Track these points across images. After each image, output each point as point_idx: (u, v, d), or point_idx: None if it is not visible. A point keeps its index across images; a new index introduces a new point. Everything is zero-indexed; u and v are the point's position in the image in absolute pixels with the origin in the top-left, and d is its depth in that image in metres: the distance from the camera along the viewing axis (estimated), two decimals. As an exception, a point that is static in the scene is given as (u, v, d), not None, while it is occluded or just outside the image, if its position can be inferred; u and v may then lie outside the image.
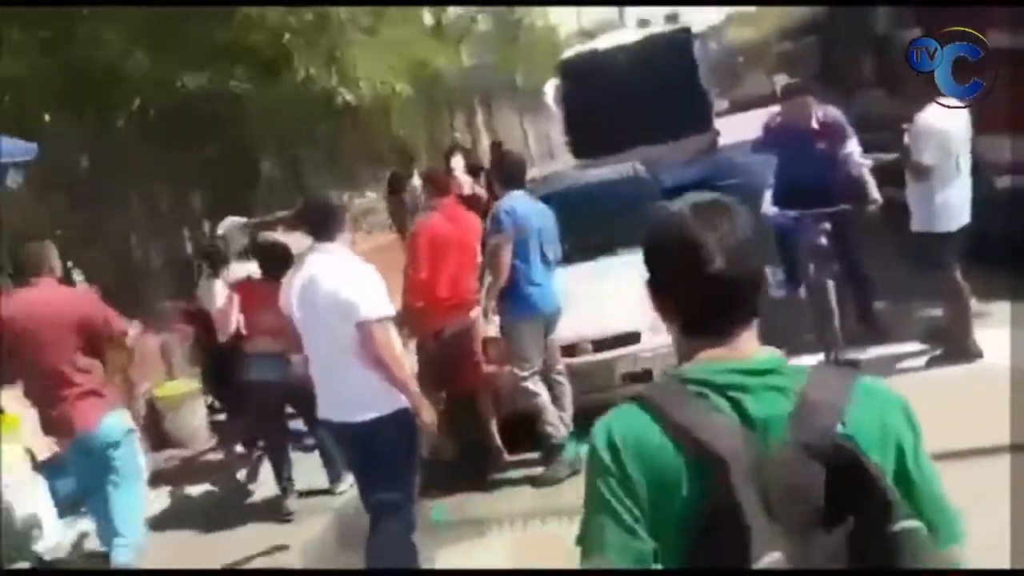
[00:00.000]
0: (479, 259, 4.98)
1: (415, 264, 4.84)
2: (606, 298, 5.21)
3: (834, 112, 5.43)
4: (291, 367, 4.15)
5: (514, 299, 4.66)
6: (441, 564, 3.89)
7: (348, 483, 4.57)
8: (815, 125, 5.31)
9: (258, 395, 4.72)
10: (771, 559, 1.14)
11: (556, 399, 4.75)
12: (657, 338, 5.00)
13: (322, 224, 3.48)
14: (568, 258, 5.19)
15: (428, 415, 3.40)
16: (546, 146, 15.06)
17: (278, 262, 4.52)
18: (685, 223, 1.33)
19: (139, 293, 7.22)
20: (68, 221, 7.93)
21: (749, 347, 1.32)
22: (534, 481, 4.66)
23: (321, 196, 4.04)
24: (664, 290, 1.39)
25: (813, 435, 1.21)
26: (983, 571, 2.52)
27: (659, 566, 1.29)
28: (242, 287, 4.93)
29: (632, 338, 5.05)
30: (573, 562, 1.30)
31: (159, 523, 4.88)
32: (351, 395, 3.35)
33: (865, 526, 1.17)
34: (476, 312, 4.94)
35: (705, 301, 1.32)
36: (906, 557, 1.16)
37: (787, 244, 5.57)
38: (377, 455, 3.35)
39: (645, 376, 5.00)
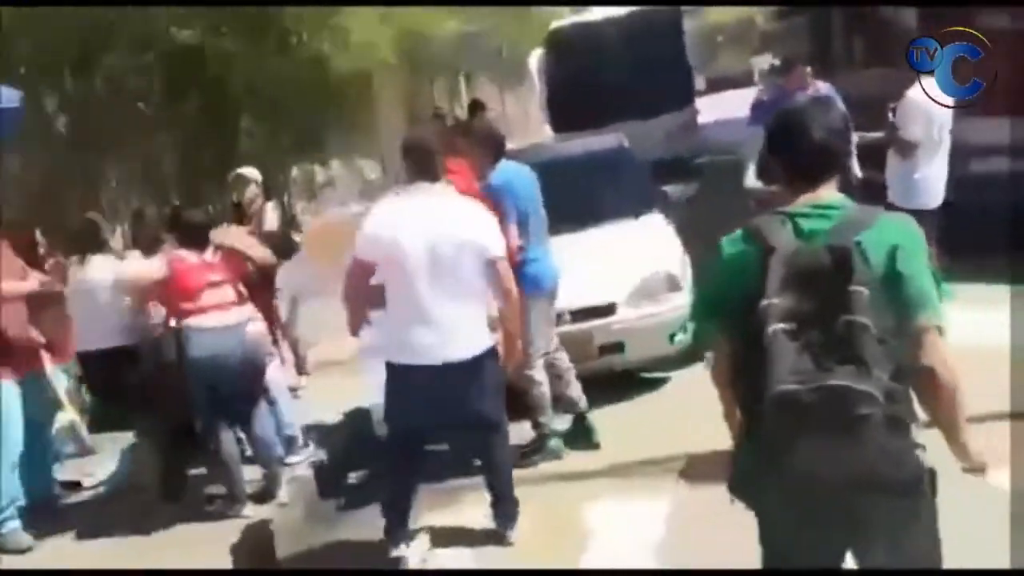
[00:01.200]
0: None
1: None
2: (584, 270, 5.27)
3: (826, 87, 5.57)
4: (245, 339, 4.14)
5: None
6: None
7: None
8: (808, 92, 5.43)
9: (203, 375, 4.14)
10: (776, 327, 1.80)
11: (560, 379, 4.57)
12: (632, 311, 5.14)
13: (427, 164, 3.53)
14: (550, 229, 5.21)
15: (519, 347, 3.72)
16: (524, 119, 15.01)
17: (204, 233, 4.39)
18: (800, 109, 2.09)
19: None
20: (37, 175, 7.80)
21: (824, 193, 2.01)
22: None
23: (420, 135, 3.83)
24: (779, 153, 2.08)
25: (834, 240, 1.88)
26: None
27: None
28: (177, 262, 4.32)
29: (609, 309, 5.13)
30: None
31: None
32: (464, 333, 3.48)
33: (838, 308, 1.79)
34: None
35: (804, 162, 2.02)
36: (857, 342, 1.75)
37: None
38: (480, 386, 3.53)
39: (618, 348, 5.11)
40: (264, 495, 4.32)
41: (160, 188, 8.33)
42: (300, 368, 6.17)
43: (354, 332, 3.64)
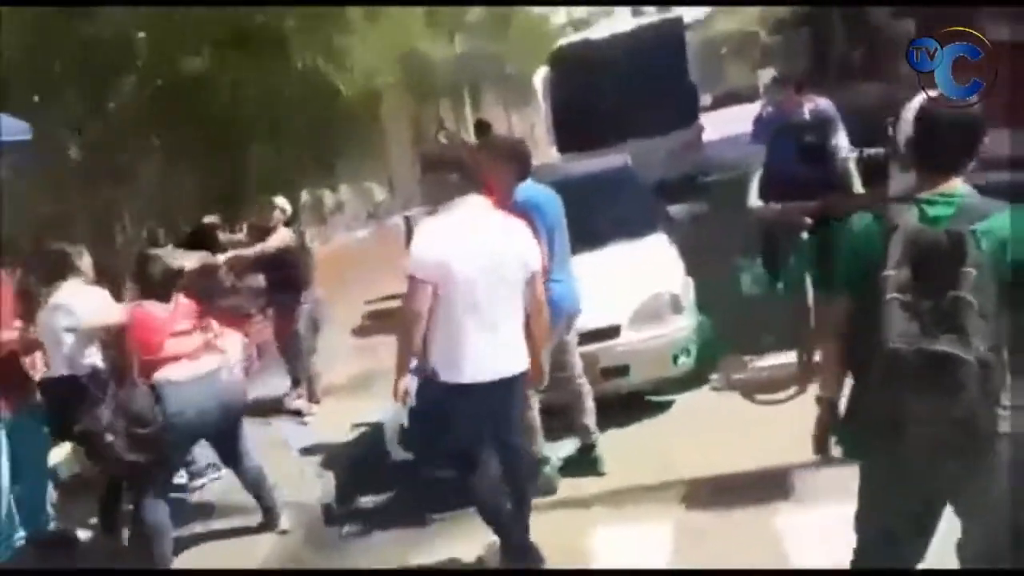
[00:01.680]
0: None
1: None
2: (589, 291, 5.27)
3: (826, 103, 5.56)
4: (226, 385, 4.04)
5: None
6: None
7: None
8: (806, 116, 5.43)
9: (187, 430, 4.02)
10: (892, 296, 2.12)
11: (581, 405, 4.54)
12: (635, 334, 5.12)
13: (468, 177, 3.51)
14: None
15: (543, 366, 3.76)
16: (530, 139, 15.11)
17: (169, 285, 4.20)
18: (944, 112, 2.47)
19: (119, 281, 7.19)
20: (52, 203, 7.89)
21: (951, 184, 2.32)
22: None
23: (456, 150, 3.86)
24: (920, 147, 2.42)
25: (953, 226, 2.19)
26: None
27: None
28: (140, 314, 4.17)
29: (613, 332, 5.12)
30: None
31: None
32: (510, 348, 3.50)
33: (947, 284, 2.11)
34: None
35: (940, 156, 2.37)
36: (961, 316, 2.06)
37: (770, 238, 5.65)
38: (514, 404, 3.60)
39: (622, 372, 5.10)
40: (266, 525, 4.31)
41: (169, 216, 8.40)
42: (312, 395, 6.19)
43: (410, 358, 3.52)
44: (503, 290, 3.45)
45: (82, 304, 4.19)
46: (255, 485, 4.31)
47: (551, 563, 3.64)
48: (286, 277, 6.02)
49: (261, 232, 6.07)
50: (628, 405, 5.11)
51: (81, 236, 7.36)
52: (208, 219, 6.41)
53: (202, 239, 6.44)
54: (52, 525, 4.57)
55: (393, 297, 7.29)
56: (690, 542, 3.67)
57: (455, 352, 3.42)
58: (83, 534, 4.61)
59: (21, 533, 4.37)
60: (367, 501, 4.79)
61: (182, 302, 4.22)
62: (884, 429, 2.22)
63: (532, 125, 15.82)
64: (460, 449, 3.57)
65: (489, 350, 3.44)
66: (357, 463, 5.16)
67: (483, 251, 3.41)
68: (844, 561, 3.18)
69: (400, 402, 3.51)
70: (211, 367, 4.05)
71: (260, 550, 4.17)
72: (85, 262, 4.40)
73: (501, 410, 3.55)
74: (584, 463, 4.52)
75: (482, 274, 3.39)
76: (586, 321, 5.04)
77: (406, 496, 4.73)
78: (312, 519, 4.55)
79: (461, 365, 3.42)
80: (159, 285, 4.16)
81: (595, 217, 6.04)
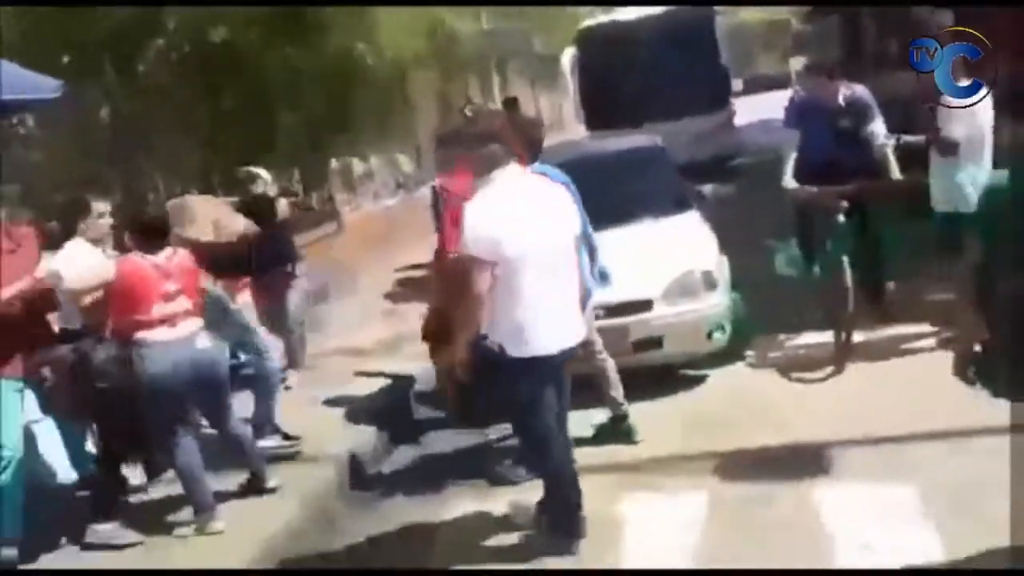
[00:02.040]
0: None
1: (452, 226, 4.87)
2: (620, 265, 5.25)
3: (861, 90, 5.51)
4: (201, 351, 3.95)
5: None
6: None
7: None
8: (841, 102, 5.39)
9: (167, 389, 3.93)
10: None
11: (601, 379, 4.51)
12: (668, 307, 5.11)
13: (507, 148, 3.44)
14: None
15: None
16: (558, 116, 15.02)
17: (161, 235, 4.07)
18: None
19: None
20: (83, 166, 7.92)
21: None
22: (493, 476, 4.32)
23: (491, 122, 3.72)
24: None
25: None
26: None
27: None
28: (129, 267, 3.99)
29: (644, 305, 5.11)
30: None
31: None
32: (573, 317, 3.50)
33: None
34: None
35: None
36: None
37: (805, 220, 5.62)
38: (567, 373, 3.56)
39: (655, 344, 5.09)
40: (253, 485, 4.28)
41: (195, 182, 8.41)
42: (293, 362, 6.01)
43: (473, 339, 3.38)
44: (559, 258, 3.43)
45: (74, 269, 3.99)
46: (240, 449, 4.27)
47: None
48: (279, 252, 5.82)
49: (250, 205, 5.68)
50: (662, 378, 5.09)
51: (113, 196, 7.40)
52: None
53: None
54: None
55: (420, 266, 7.35)
56: (724, 512, 3.65)
57: (521, 326, 3.34)
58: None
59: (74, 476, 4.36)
60: (394, 460, 4.81)
61: (176, 260, 4.04)
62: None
63: (560, 104, 15.71)
64: (527, 423, 3.52)
65: (554, 321, 3.40)
66: (383, 421, 5.16)
67: (536, 222, 3.37)
68: (881, 538, 3.21)
69: (463, 380, 3.47)
70: (190, 331, 3.97)
71: (284, 511, 4.18)
72: (95, 218, 4.21)
73: (562, 380, 3.54)
74: (617, 433, 4.52)
75: (538, 245, 3.35)
76: (618, 294, 5.06)
77: (432, 458, 4.76)
78: (335, 481, 4.54)
79: (529, 338, 3.35)
80: (153, 235, 4.01)
81: (627, 194, 6.02)
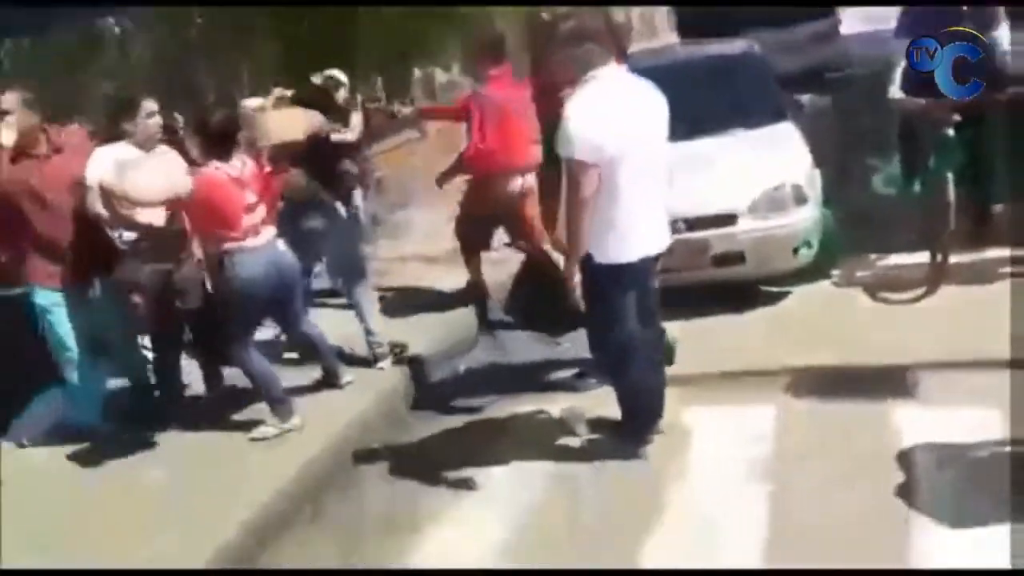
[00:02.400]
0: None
1: (479, 132, 4.81)
2: (705, 177, 5.07)
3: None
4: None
5: None
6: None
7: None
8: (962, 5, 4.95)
9: (259, 292, 3.95)
10: None
11: None
12: (753, 222, 4.92)
13: (606, 46, 3.33)
14: (671, 134, 5.01)
15: None
16: (650, 24, 14.42)
17: (231, 139, 3.96)
18: None
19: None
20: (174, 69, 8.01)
21: None
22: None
23: (582, 21, 3.47)
24: None
25: None
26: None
27: None
28: (210, 182, 3.88)
29: (728, 219, 4.93)
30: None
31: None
32: (660, 223, 3.45)
33: None
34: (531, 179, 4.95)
35: None
36: None
37: (910, 133, 5.26)
38: (655, 280, 3.53)
39: (736, 259, 4.93)
40: (327, 381, 4.43)
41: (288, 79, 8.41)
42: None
43: (583, 246, 3.28)
44: (652, 162, 3.33)
45: (141, 180, 3.83)
46: (313, 347, 4.39)
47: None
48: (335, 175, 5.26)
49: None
50: (742, 293, 4.95)
51: (204, 97, 7.52)
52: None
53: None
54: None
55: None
56: (795, 428, 3.57)
57: (610, 233, 3.27)
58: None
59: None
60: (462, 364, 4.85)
61: (249, 169, 3.95)
62: None
63: (652, 13, 15.08)
64: (606, 332, 3.45)
65: (643, 227, 3.35)
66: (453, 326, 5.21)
67: (634, 123, 3.26)
68: (964, 463, 3.09)
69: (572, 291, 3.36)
70: (268, 238, 3.98)
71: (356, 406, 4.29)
72: (144, 118, 4.01)
73: (648, 289, 3.49)
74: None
75: (635, 148, 3.24)
76: (700, 207, 4.90)
77: (500, 365, 4.79)
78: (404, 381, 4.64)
79: (617, 245, 3.29)
80: (224, 141, 3.90)
81: (718, 102, 5.76)
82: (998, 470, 3.02)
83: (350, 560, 3.21)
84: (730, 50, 6.47)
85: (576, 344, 4.37)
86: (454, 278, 5.57)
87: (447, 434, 4.06)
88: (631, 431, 3.60)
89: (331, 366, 4.45)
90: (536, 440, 3.81)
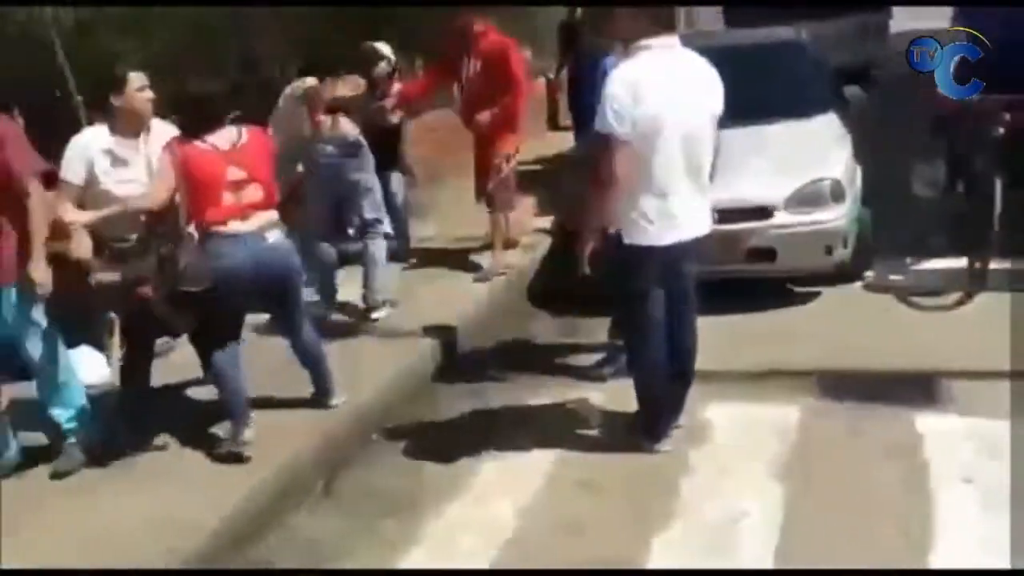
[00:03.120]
0: None
1: None
2: (741, 168, 4.92)
3: None
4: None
5: None
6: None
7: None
8: None
9: (242, 286, 3.50)
10: None
11: None
12: (788, 216, 4.78)
13: (663, 13, 3.19)
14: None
15: None
16: (691, 14, 14.15)
17: (217, 110, 3.57)
18: None
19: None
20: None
21: None
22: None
23: None
24: None
25: None
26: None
27: None
28: (183, 153, 3.47)
29: (764, 213, 4.80)
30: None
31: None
32: (699, 207, 3.29)
33: None
34: None
35: None
36: None
37: (956, 131, 5.09)
38: (693, 264, 3.37)
39: (768, 255, 4.81)
40: (319, 400, 3.86)
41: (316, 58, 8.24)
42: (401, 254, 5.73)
43: (606, 223, 3.22)
44: (699, 140, 3.20)
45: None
46: (311, 361, 3.85)
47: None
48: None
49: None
50: (771, 291, 4.85)
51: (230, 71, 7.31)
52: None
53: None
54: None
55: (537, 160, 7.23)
56: (816, 430, 3.49)
57: (652, 214, 3.16)
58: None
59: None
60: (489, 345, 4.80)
61: (243, 143, 3.50)
62: None
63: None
64: (629, 315, 3.40)
65: (687, 208, 3.22)
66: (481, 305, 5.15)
67: (678, 99, 3.11)
68: (984, 474, 2.98)
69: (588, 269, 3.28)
70: (261, 224, 3.51)
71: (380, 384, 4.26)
72: (134, 91, 3.50)
73: (681, 275, 3.34)
74: None
75: (685, 123, 3.12)
76: (735, 198, 4.76)
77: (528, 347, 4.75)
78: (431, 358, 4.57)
79: (657, 227, 3.17)
80: (207, 110, 3.52)
81: (761, 91, 5.59)
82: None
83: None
84: (777, 37, 6.32)
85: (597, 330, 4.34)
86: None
87: (474, 416, 4.00)
88: (644, 423, 3.52)
89: (325, 387, 3.88)
90: (550, 429, 3.77)
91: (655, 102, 3.06)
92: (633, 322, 3.40)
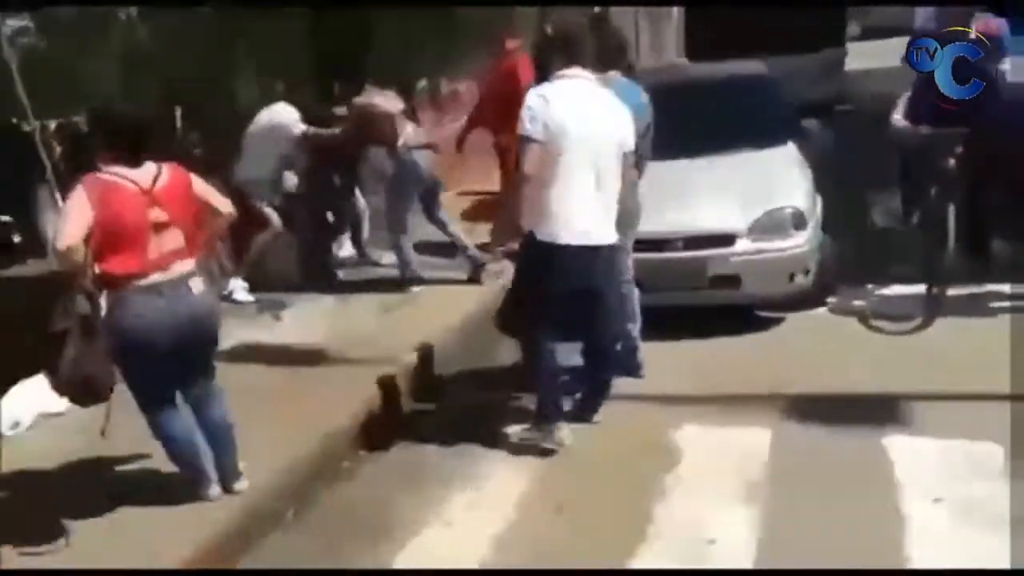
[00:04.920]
0: None
1: None
2: (705, 196, 5.06)
3: (996, 23, 5.03)
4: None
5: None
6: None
7: None
8: (971, 35, 4.94)
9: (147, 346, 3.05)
10: None
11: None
12: (751, 243, 4.86)
13: (577, 48, 3.66)
14: (673, 152, 4.98)
15: None
16: (658, 43, 14.38)
17: (140, 138, 3.10)
18: None
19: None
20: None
21: None
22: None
23: (570, 24, 3.80)
24: None
25: None
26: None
27: None
28: (104, 190, 2.98)
29: (726, 240, 4.89)
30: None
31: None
32: (606, 217, 3.65)
33: None
34: None
35: None
36: None
37: (911, 163, 5.25)
38: (613, 271, 3.78)
39: (733, 281, 4.89)
40: (224, 485, 3.36)
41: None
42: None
43: (514, 220, 3.68)
44: (604, 161, 3.59)
45: None
46: (220, 439, 3.35)
47: (631, 454, 3.61)
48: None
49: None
50: (736, 317, 4.92)
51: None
52: None
53: None
54: None
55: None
56: (785, 452, 3.53)
57: (556, 214, 3.54)
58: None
59: None
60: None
61: (165, 181, 3.08)
62: None
63: (662, 31, 15.06)
64: (528, 300, 3.70)
65: (588, 214, 3.58)
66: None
67: (585, 120, 3.54)
68: (959, 495, 3.05)
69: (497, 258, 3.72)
70: (182, 272, 3.10)
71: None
72: None
73: (589, 277, 3.65)
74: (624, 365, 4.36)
75: (588, 138, 3.53)
76: (699, 226, 4.86)
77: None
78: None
79: (559, 227, 3.55)
80: (129, 138, 3.05)
81: (723, 121, 5.76)
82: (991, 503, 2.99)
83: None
84: (740, 71, 6.49)
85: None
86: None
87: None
88: (536, 415, 3.80)
89: (229, 467, 3.38)
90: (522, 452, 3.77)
91: (564, 112, 3.51)
92: (534, 314, 3.69)
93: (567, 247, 3.55)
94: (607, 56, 4.05)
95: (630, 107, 3.83)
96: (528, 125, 3.50)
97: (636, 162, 3.96)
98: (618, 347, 4.22)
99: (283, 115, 5.73)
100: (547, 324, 3.69)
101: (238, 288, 5.81)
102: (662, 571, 2.71)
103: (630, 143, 3.69)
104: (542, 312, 3.66)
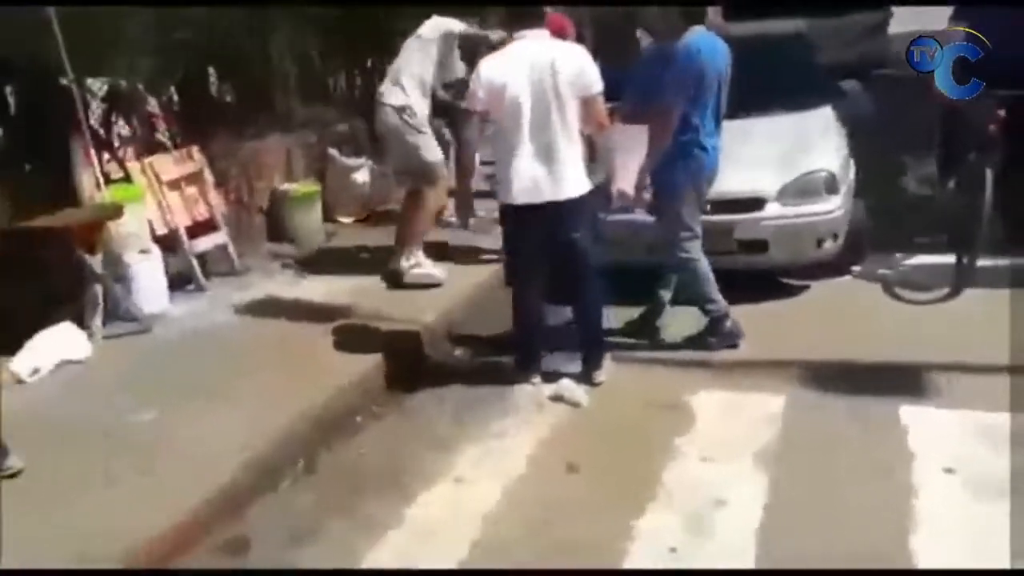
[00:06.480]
0: None
1: None
2: (737, 159, 4.91)
3: None
4: None
5: (680, 165, 4.16)
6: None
7: None
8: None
9: None
10: None
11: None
12: (782, 208, 4.77)
13: (535, 13, 3.83)
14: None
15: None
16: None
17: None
18: None
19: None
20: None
21: None
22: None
23: None
24: None
25: None
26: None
27: None
28: None
29: (756, 204, 4.79)
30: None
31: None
32: (564, 174, 3.75)
33: None
34: None
35: None
36: None
37: (951, 127, 5.08)
38: (577, 226, 3.83)
39: (760, 247, 4.80)
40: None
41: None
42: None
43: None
44: (555, 114, 3.70)
45: None
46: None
47: (644, 417, 3.59)
48: None
49: None
50: (760, 283, 4.84)
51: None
52: None
53: None
54: None
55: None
56: (803, 416, 3.50)
57: (507, 173, 3.75)
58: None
59: None
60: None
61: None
62: None
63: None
64: (509, 263, 4.04)
65: (541, 172, 3.71)
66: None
67: (535, 77, 3.66)
68: (966, 464, 2.99)
69: None
70: None
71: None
72: None
73: (559, 232, 3.79)
74: (644, 329, 4.42)
75: (529, 97, 3.66)
76: (728, 190, 4.75)
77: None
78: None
79: (511, 186, 3.74)
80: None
81: (760, 83, 5.55)
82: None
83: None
84: (775, 30, 6.31)
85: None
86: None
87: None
88: (515, 359, 4.05)
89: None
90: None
91: (501, 77, 3.69)
92: (511, 271, 4.10)
93: (521, 207, 3.76)
94: (690, 15, 4.14)
95: (719, 53, 4.15)
96: (472, 94, 3.78)
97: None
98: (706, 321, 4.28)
99: (450, 23, 5.28)
100: (521, 278, 3.97)
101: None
102: (662, 571, 2.71)
103: (592, 88, 3.74)
104: (515, 267, 4.01)
